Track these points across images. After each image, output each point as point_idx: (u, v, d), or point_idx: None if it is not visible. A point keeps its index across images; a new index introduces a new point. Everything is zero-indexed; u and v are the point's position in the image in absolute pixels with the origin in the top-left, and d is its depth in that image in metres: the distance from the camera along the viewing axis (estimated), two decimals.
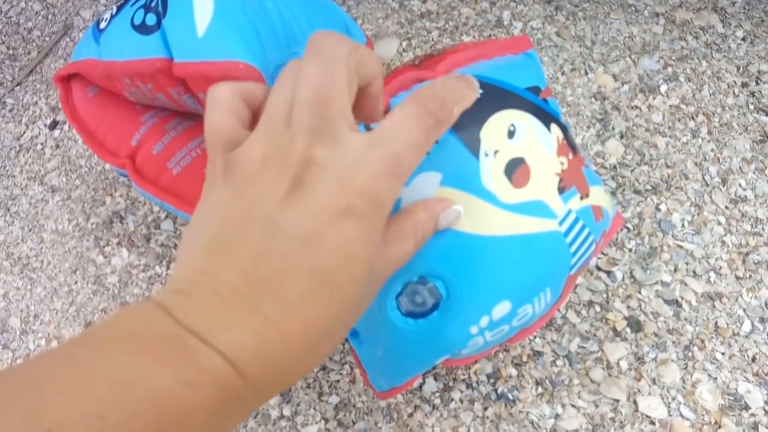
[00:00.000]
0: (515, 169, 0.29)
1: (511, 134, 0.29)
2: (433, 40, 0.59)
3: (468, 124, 0.28)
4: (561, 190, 0.30)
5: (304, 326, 0.20)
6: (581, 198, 0.31)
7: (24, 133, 0.59)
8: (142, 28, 0.37)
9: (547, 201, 0.29)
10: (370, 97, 0.24)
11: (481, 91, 0.28)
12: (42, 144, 0.58)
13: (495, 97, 0.29)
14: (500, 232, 0.28)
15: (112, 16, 0.39)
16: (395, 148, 0.21)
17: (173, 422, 0.17)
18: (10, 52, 0.66)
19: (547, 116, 0.31)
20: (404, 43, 0.59)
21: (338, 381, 0.43)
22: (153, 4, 0.37)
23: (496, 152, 0.28)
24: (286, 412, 0.42)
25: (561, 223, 0.30)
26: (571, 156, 0.31)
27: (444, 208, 0.26)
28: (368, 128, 0.29)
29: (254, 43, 0.35)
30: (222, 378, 0.18)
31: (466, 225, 0.27)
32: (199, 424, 0.18)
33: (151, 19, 0.37)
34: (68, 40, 0.66)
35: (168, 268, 0.49)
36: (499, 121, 0.29)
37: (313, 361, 0.21)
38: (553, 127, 0.31)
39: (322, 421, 0.41)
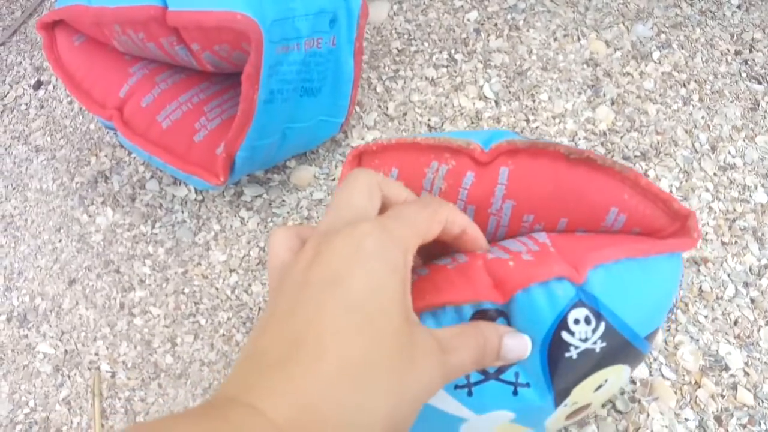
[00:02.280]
0: (578, 411, 0.29)
1: (599, 388, 0.28)
2: (424, 4, 0.58)
3: (570, 378, 0.26)
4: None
5: (342, 360, 0.18)
6: None
7: (8, 93, 0.58)
8: None
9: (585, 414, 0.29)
10: (469, 241, 0.26)
11: (603, 344, 0.25)
12: (26, 104, 0.57)
13: (613, 353, 0.26)
14: None
15: None
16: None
17: None
18: None
19: (641, 359, 0.29)
20: (395, 7, 0.58)
21: None
22: None
23: (574, 403, 0.28)
24: None
25: None
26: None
27: (509, 332, 0.24)
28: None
29: None
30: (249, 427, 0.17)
31: None
32: None
33: None
34: (52, 0, 0.64)
35: (153, 227, 0.48)
36: (599, 377, 0.27)
37: (364, 409, 0.18)
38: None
39: None
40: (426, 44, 0.56)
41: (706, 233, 0.46)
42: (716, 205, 0.47)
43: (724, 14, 0.56)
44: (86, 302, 0.46)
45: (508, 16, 0.57)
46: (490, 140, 0.30)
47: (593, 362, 0.26)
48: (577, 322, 0.24)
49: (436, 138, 0.30)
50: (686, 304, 0.43)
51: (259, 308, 0.45)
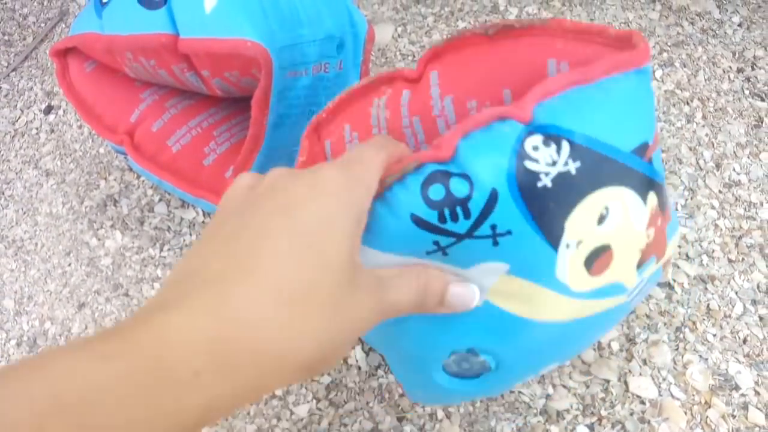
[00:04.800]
0: (597, 258, 0.25)
1: (601, 219, 0.24)
2: (428, 26, 0.59)
3: (554, 210, 0.23)
4: (640, 264, 0.26)
5: (279, 283, 0.18)
6: (657, 262, 0.28)
7: (19, 118, 0.59)
8: (148, 3, 0.37)
9: (623, 281, 0.26)
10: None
11: (577, 163, 0.22)
12: (37, 129, 0.58)
13: (593, 172, 0.23)
14: (564, 318, 0.26)
15: None
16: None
17: (85, 398, 0.15)
18: (6, 38, 0.66)
19: (647, 184, 0.25)
20: (399, 29, 0.59)
21: None
22: None
23: (579, 243, 0.24)
24: (278, 391, 0.42)
25: (630, 294, 0.27)
26: (659, 222, 0.27)
27: (456, 280, 0.24)
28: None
29: (261, 22, 0.35)
30: (151, 347, 0.16)
31: (526, 311, 0.25)
32: (120, 400, 0.15)
33: None
34: (64, 26, 0.66)
35: (161, 250, 0.49)
36: (592, 205, 0.23)
37: (293, 331, 0.18)
38: (650, 195, 0.25)
39: (314, 401, 0.41)
40: None
41: (713, 251, 0.46)
42: (722, 222, 0.47)
43: (725, 32, 0.56)
44: (95, 326, 0.46)
45: None
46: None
47: (575, 186, 0.23)
48: (536, 149, 0.22)
49: (370, 78, 0.31)
50: (694, 323, 0.42)
51: None
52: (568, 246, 0.24)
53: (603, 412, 0.39)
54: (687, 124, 0.52)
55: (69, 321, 0.47)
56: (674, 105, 0.53)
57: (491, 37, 0.27)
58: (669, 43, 0.56)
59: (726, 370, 0.40)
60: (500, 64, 0.27)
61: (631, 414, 0.39)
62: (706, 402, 0.39)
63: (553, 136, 0.22)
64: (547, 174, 0.22)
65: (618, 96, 0.23)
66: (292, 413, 0.41)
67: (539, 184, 0.22)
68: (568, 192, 0.22)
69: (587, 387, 0.40)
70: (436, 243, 0.23)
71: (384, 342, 0.32)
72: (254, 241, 0.19)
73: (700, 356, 0.41)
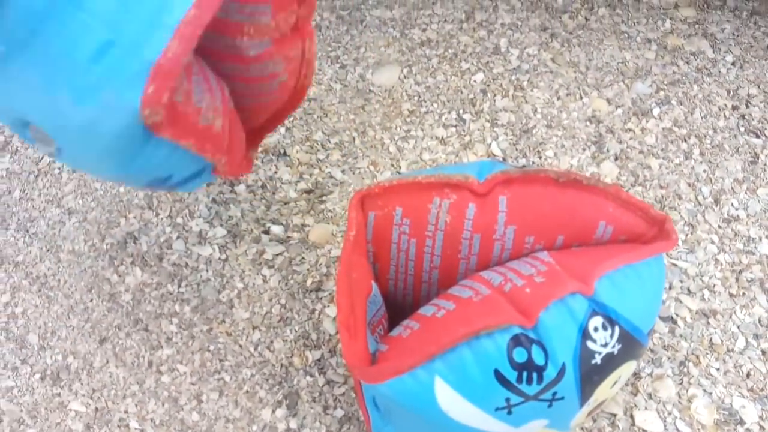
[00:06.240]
0: (597, 408, 0.32)
1: (614, 384, 0.30)
2: (433, 67, 0.62)
3: (595, 381, 0.28)
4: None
5: None
6: None
7: (42, 158, 0.62)
8: None
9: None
10: None
11: (620, 346, 0.28)
12: (59, 168, 0.61)
13: (627, 352, 0.29)
14: None
15: None
16: None
17: None
18: None
19: (645, 351, 0.33)
20: (405, 71, 0.62)
21: (343, 394, 0.44)
22: None
23: (595, 401, 0.30)
24: (293, 425, 0.43)
25: None
26: None
27: None
28: None
29: None
30: None
31: None
32: None
33: None
34: None
35: (180, 286, 0.51)
36: (615, 376, 0.29)
37: None
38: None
39: None
40: (435, 105, 0.59)
41: (714, 285, 0.47)
42: (722, 257, 0.48)
43: (719, 71, 0.59)
44: (116, 360, 0.48)
45: (513, 77, 0.60)
46: (482, 171, 0.33)
47: (613, 364, 0.28)
48: (596, 330, 0.27)
49: (434, 175, 0.33)
50: (698, 357, 0.44)
51: (281, 365, 0.46)
52: (588, 404, 0.29)
53: None
54: (685, 161, 0.53)
55: (91, 355, 0.49)
56: (672, 142, 0.55)
57: (560, 183, 0.32)
58: (665, 82, 0.58)
59: (730, 404, 0.41)
60: (561, 212, 0.32)
61: None
62: None
63: (610, 320, 0.28)
64: (600, 353, 0.27)
65: (648, 280, 0.29)
66: None
67: (593, 362, 0.27)
68: (607, 368, 0.28)
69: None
70: (507, 400, 0.27)
71: None
72: None
73: (704, 390, 0.42)
